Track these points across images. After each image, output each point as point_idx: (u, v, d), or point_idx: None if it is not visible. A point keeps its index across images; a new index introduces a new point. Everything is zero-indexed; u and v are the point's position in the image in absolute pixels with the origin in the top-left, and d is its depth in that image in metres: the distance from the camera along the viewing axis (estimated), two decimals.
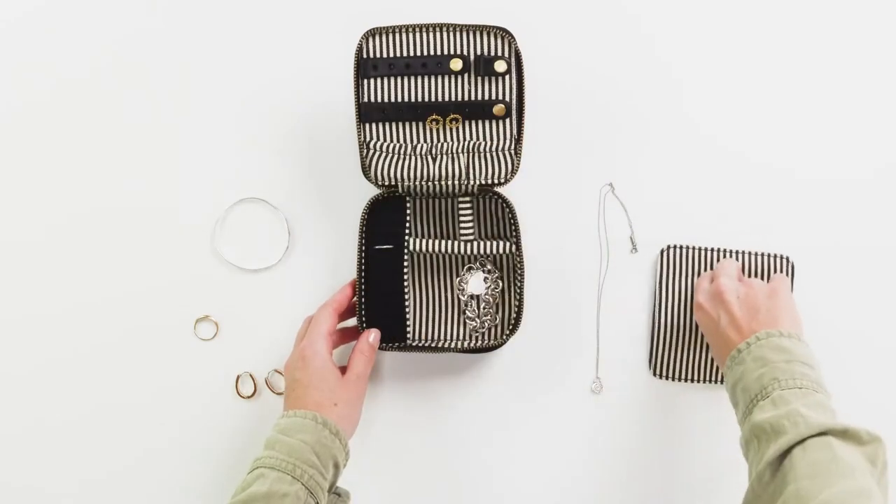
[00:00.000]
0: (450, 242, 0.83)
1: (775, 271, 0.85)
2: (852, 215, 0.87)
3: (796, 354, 0.72)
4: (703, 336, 0.85)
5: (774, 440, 0.65)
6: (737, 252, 0.86)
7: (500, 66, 0.79)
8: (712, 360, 0.85)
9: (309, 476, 0.71)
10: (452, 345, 0.83)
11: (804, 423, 0.65)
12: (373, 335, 0.81)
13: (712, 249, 0.86)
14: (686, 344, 0.86)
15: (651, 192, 0.87)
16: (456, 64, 0.80)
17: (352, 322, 0.84)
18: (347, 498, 0.78)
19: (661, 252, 0.87)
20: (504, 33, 0.79)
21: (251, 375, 0.87)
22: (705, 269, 0.86)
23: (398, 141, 0.82)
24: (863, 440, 0.64)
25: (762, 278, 0.85)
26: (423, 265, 0.86)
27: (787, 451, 0.64)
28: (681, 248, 0.86)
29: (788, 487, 0.62)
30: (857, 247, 0.87)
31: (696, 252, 0.86)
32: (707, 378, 0.86)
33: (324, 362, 0.78)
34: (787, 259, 0.85)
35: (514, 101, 0.81)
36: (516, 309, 0.81)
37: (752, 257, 0.86)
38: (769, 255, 0.86)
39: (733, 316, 0.77)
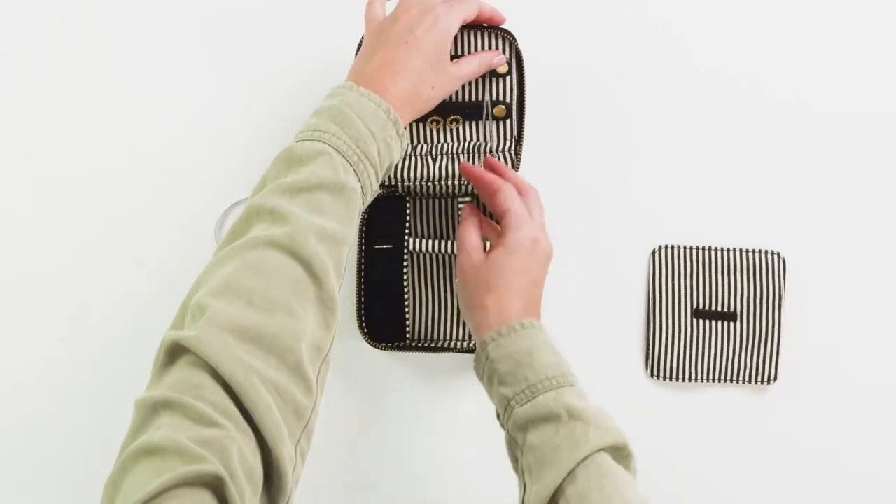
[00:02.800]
0: (450, 242, 0.83)
1: (766, 267, 0.86)
2: (842, 210, 0.88)
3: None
4: (697, 336, 0.86)
5: (596, 431, 0.62)
6: (727, 249, 0.87)
7: (500, 67, 0.79)
8: (709, 360, 0.86)
9: (367, 176, 0.62)
10: (452, 345, 0.84)
11: (615, 431, 0.63)
12: (497, 58, 0.75)
13: (703, 248, 0.87)
14: (681, 343, 0.86)
15: (647, 193, 0.88)
16: None
17: None
18: None
19: (653, 252, 0.87)
20: (505, 34, 0.79)
21: None
22: (697, 268, 0.87)
23: None
24: (634, 468, 0.65)
25: (753, 276, 0.86)
26: (422, 265, 0.86)
27: (603, 448, 0.62)
28: (672, 248, 0.87)
29: (607, 485, 0.60)
30: (848, 241, 0.88)
31: (687, 251, 0.87)
32: (703, 377, 0.86)
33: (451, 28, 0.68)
34: (778, 255, 0.86)
35: (514, 103, 0.81)
36: None
37: (742, 254, 0.87)
38: (759, 252, 0.86)
39: (534, 274, 0.71)
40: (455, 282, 0.75)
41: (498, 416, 0.69)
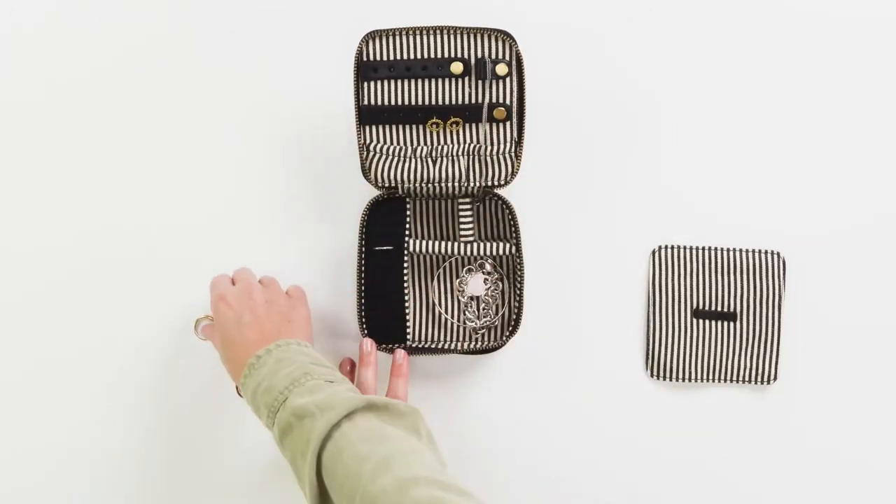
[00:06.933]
0: (450, 244, 0.83)
1: (766, 268, 0.86)
2: (842, 210, 0.88)
3: (319, 359, 0.73)
4: (697, 336, 0.86)
5: (321, 416, 0.66)
6: (727, 249, 0.87)
7: (501, 70, 0.79)
8: (709, 360, 0.86)
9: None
10: (452, 346, 0.84)
11: (350, 400, 0.67)
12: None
13: (702, 248, 0.87)
14: (681, 344, 0.87)
15: (647, 193, 0.88)
16: (457, 67, 0.79)
17: None
18: None
19: (653, 252, 0.87)
20: (505, 36, 0.79)
21: None
22: (697, 268, 0.87)
23: (398, 143, 0.82)
24: (402, 412, 0.69)
25: (753, 276, 0.86)
26: (423, 266, 0.86)
27: (336, 424, 0.66)
28: (672, 248, 0.87)
29: (345, 453, 0.64)
30: (848, 241, 0.88)
31: (687, 251, 0.87)
32: (703, 377, 0.87)
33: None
34: (778, 255, 0.86)
35: (514, 104, 0.81)
36: (516, 310, 0.82)
37: (742, 254, 0.87)
38: (759, 252, 0.87)
39: (258, 316, 0.76)
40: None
41: None
